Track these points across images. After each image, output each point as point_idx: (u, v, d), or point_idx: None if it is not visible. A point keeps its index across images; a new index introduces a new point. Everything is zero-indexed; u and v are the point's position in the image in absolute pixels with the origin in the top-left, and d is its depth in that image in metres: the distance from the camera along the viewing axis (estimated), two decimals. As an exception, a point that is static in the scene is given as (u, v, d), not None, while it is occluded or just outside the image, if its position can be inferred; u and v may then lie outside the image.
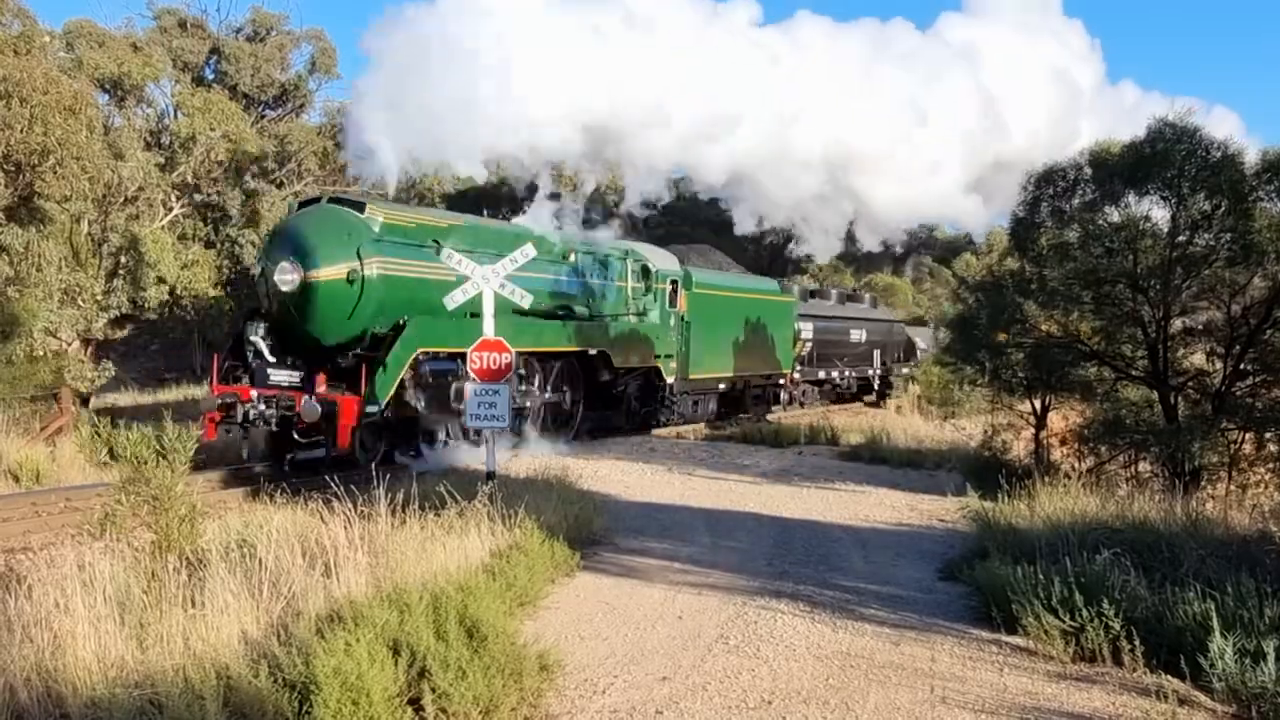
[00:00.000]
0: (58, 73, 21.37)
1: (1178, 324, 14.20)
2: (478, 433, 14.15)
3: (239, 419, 14.67)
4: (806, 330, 31.27)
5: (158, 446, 8.62)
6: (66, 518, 11.30)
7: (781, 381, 29.04)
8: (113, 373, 21.76)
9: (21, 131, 18.78)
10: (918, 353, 39.91)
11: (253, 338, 15.29)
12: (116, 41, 33.63)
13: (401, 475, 11.49)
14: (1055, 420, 16.34)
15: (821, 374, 33.13)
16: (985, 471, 14.08)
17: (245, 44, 35.74)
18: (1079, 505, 10.47)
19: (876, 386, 36.86)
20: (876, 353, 36.80)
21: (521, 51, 18.78)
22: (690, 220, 50.27)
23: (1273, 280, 13.21)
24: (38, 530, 10.91)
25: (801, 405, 31.73)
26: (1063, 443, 15.64)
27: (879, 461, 18.94)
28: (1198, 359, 14.87)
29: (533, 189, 21.50)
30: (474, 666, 5.83)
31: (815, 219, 45.80)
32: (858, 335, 35.68)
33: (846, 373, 34.69)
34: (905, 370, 38.34)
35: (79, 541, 7.85)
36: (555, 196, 21.31)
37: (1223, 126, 68.16)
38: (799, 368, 30.55)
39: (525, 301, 12.72)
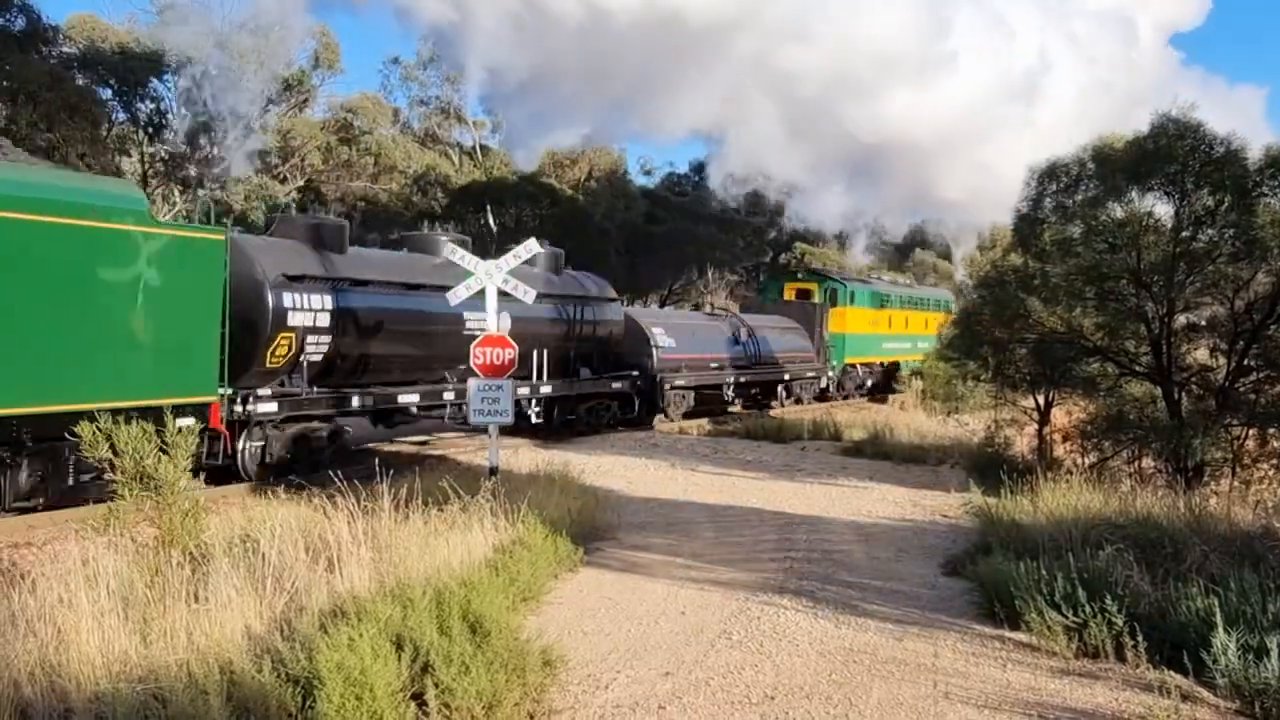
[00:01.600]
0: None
1: (1181, 320, 14.21)
2: None
3: None
4: (314, 312, 14.70)
5: (160, 443, 8.62)
6: (70, 513, 11.30)
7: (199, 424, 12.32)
8: None
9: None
10: (654, 354, 23.14)
11: None
12: (120, 36, 33.69)
13: (405, 471, 11.51)
14: (1058, 416, 16.35)
15: (361, 401, 15.61)
16: (988, 467, 14.09)
17: (248, 39, 35.75)
18: (1082, 501, 10.47)
19: (537, 416, 19.47)
20: (539, 355, 19.11)
21: None
22: (693, 216, 50.29)
23: (1276, 276, 13.21)
24: (41, 525, 10.92)
25: (282, 485, 12.50)
26: (1066, 438, 15.66)
27: (882, 457, 18.93)
28: (1201, 355, 14.88)
29: None
30: (477, 662, 5.84)
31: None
32: (485, 325, 16.32)
33: (448, 395, 17.20)
34: (619, 385, 21.94)
35: (82, 537, 7.86)
36: None
37: (1248, 105, 68.47)
38: (296, 389, 14.60)
39: (529, 298, 12.71)
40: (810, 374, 30.94)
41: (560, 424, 20.48)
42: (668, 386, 23.48)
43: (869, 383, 36.60)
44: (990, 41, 42.18)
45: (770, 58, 35.21)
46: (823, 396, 31.92)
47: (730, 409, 27.15)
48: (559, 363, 20.10)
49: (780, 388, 29.34)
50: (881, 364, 37.55)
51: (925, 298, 42.94)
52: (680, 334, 24.80)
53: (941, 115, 39.79)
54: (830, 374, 32.62)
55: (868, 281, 38.76)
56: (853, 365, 35.16)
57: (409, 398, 16.59)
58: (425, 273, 17.37)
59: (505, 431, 17.79)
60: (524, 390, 18.68)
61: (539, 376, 19.28)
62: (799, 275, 37.53)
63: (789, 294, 35.06)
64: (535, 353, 18.91)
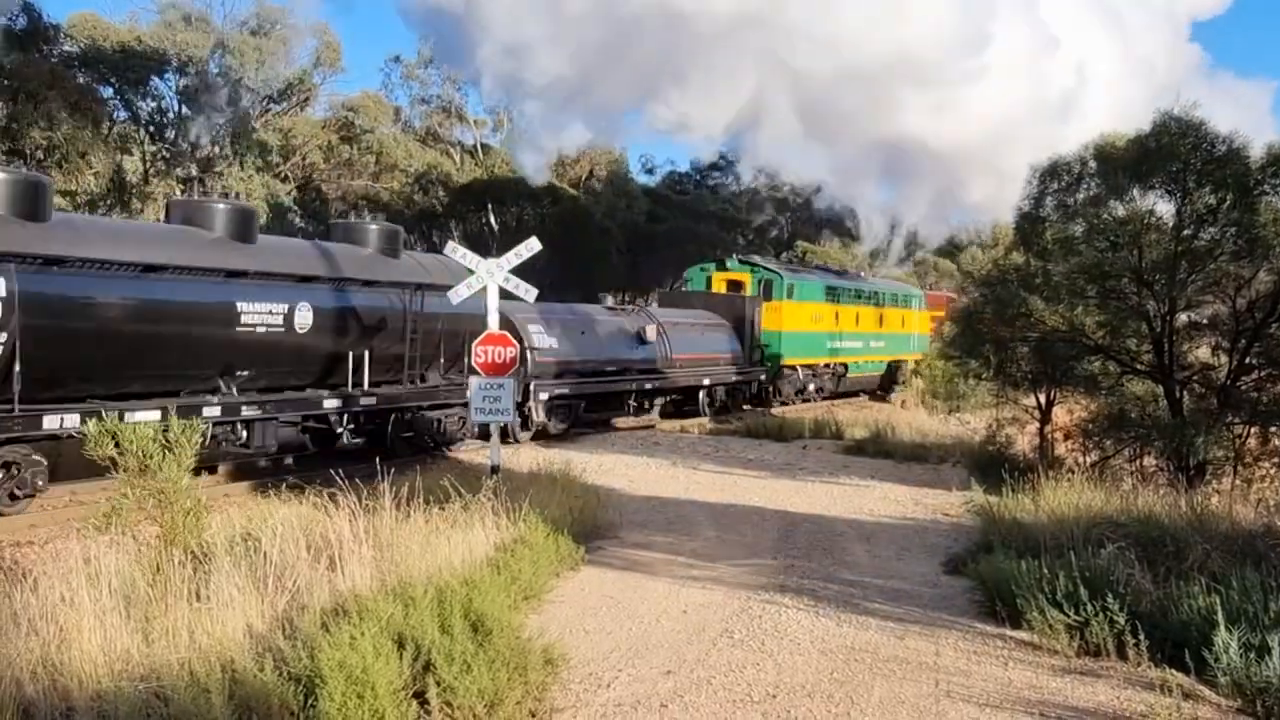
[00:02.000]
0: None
1: (1183, 318, 14.20)
2: None
3: None
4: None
5: (163, 441, 8.63)
6: (71, 512, 11.32)
7: None
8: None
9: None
10: (529, 357, 19.04)
11: None
12: (121, 35, 33.71)
13: (406, 469, 11.50)
14: (1060, 414, 16.33)
15: (64, 421, 11.13)
16: (990, 466, 14.07)
17: (249, 38, 35.80)
18: (1083, 499, 10.47)
19: (352, 436, 15.40)
20: (357, 356, 15.24)
21: None
22: (694, 215, 50.29)
23: (1278, 274, 13.19)
24: (43, 524, 10.93)
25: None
26: (1067, 437, 15.64)
27: (883, 456, 18.93)
28: (1203, 353, 14.87)
29: None
30: (479, 660, 5.84)
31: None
32: (266, 320, 13.92)
33: (211, 411, 12.84)
34: (533, 401, 18.91)
35: (84, 535, 7.85)
36: None
37: (1256, 99, 68.59)
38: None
39: (530, 296, 12.71)
40: (735, 378, 26.88)
41: (397, 443, 15.92)
42: (544, 395, 19.52)
43: (811, 387, 31.72)
44: (1024, 47, 41.60)
45: (803, 59, 34.83)
46: (757, 402, 28.43)
47: (642, 419, 23.74)
48: (391, 365, 15.68)
49: (702, 394, 25.71)
50: (828, 365, 32.88)
51: (882, 291, 37.80)
52: (566, 331, 20.82)
53: (973, 121, 39.41)
54: (763, 378, 28.65)
55: (811, 272, 34.72)
56: (791, 367, 30.38)
57: (144, 415, 11.41)
58: (186, 250, 13.08)
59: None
60: (332, 402, 14.65)
61: (356, 384, 15.01)
62: (729, 264, 31.92)
63: (718, 285, 30.51)
64: (351, 354, 14.94)
